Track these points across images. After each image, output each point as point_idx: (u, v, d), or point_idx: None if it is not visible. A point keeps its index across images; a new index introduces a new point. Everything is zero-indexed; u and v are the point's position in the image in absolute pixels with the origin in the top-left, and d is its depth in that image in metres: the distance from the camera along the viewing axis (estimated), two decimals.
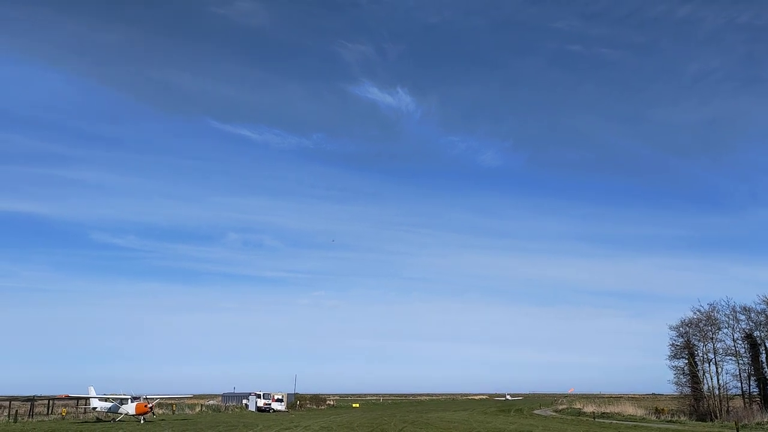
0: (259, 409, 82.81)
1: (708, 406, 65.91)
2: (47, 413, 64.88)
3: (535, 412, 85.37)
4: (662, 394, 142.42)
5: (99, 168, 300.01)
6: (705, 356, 69.25)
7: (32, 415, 60.82)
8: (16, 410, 59.74)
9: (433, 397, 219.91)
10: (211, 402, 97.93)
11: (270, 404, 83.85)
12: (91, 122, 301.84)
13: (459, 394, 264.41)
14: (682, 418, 62.34)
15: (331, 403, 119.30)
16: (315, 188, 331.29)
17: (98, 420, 56.51)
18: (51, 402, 69.72)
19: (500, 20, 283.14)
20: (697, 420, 61.34)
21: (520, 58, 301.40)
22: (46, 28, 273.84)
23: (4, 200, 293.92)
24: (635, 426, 51.47)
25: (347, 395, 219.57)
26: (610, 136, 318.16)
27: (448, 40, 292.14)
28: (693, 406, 68.62)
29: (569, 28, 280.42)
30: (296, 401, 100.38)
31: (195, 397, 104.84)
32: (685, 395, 71.01)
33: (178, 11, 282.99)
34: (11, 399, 68.67)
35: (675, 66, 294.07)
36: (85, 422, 53.87)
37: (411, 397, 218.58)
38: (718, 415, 62.96)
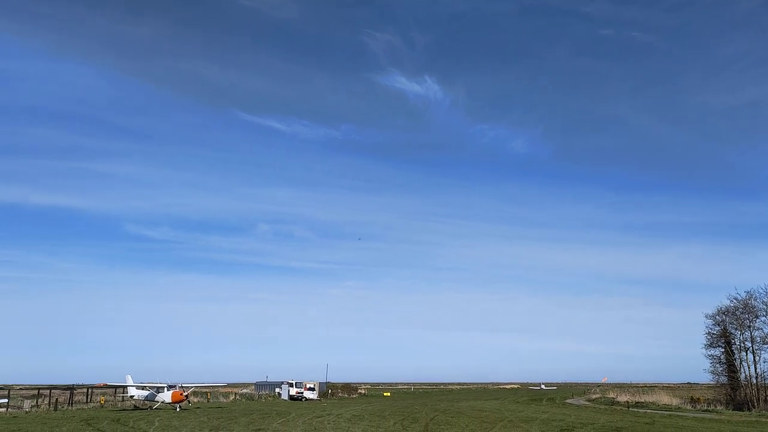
0: (291, 397, 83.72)
1: (745, 396, 64.74)
2: (86, 401, 66.43)
3: (568, 401, 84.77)
4: (698, 384, 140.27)
5: (132, 161, 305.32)
6: (742, 345, 67.96)
7: (72, 403, 62.34)
8: (56, 399, 61.30)
9: (464, 387, 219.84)
10: (245, 391, 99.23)
11: (302, 393, 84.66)
12: (123, 116, 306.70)
13: (490, 384, 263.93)
14: (719, 408, 61.34)
15: (363, 391, 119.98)
16: (344, 179, 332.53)
17: (135, 408, 57.68)
18: (90, 390, 71.40)
19: (528, 6, 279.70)
20: (734, 409, 60.27)
21: (548, 44, 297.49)
22: (77, 23, 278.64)
23: (41, 194, 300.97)
24: (670, 415, 50.81)
25: (378, 384, 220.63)
26: (642, 121, 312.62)
27: (475, 27, 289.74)
28: (730, 396, 67.46)
29: (599, 13, 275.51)
30: (328, 390, 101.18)
31: (229, 385, 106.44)
32: (722, 384, 69.82)
33: (206, 4, 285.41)
34: (51, 388, 70.49)
35: (708, 49, 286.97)
36: (123, 410, 55.05)
37: (442, 386, 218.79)
38: (755, 404, 61.78)
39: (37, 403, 60.28)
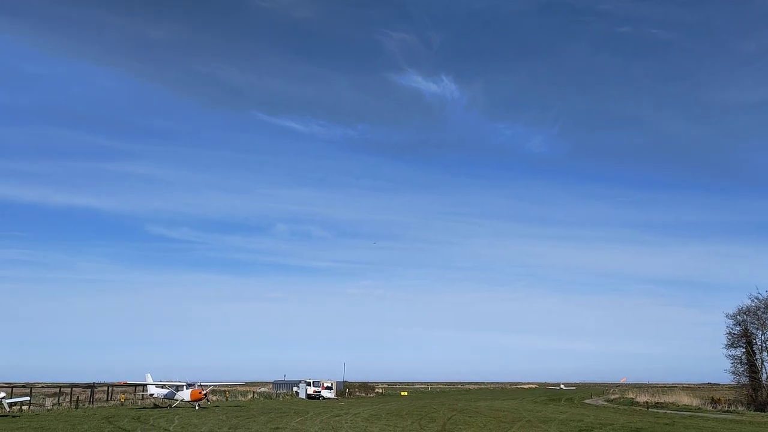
0: (309, 396, 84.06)
1: (766, 396, 63.93)
2: (107, 399, 67.16)
3: (587, 401, 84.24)
4: (718, 384, 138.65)
5: (152, 162, 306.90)
6: (763, 345, 67.08)
7: (93, 401, 63.04)
8: (77, 397, 61.99)
9: (482, 386, 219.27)
10: (263, 389, 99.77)
11: (320, 392, 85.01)
12: (142, 117, 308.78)
13: (508, 384, 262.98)
14: (740, 409, 60.64)
15: (380, 391, 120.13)
16: (361, 178, 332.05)
17: (155, 406, 58.22)
18: (110, 389, 72.20)
19: (545, 3, 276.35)
20: (755, 410, 59.58)
21: (566, 42, 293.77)
22: (95, 26, 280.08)
23: (63, 194, 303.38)
24: (691, 416, 50.33)
25: (395, 383, 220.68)
26: (660, 119, 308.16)
27: (492, 26, 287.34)
28: (751, 396, 66.61)
29: (617, 10, 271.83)
30: (345, 389, 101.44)
31: (247, 384, 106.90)
32: (743, 385, 68.96)
33: (222, 6, 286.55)
34: (72, 386, 71.35)
35: (728, 46, 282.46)
36: (143, 408, 55.60)
37: (459, 386, 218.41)
38: None
39: (58, 401, 61.02)
